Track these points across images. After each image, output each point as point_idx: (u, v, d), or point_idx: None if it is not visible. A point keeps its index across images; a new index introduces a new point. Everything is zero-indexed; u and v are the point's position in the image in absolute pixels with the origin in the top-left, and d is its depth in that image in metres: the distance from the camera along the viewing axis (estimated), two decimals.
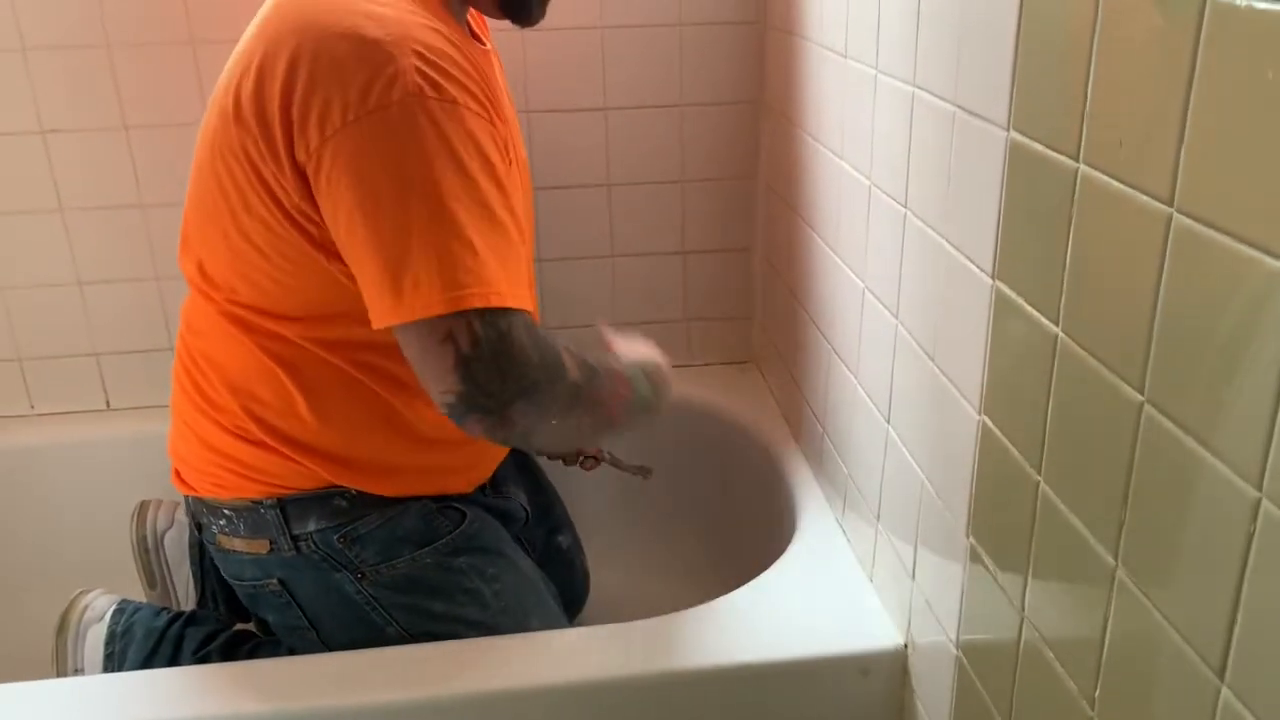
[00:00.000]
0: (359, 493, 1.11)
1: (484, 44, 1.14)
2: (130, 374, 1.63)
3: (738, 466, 1.62)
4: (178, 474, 1.16)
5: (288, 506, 1.10)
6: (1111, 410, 0.65)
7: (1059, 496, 0.73)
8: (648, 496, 1.73)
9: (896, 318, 1.04)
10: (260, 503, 1.10)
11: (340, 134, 0.90)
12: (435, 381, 0.93)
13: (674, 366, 1.67)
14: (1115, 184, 0.63)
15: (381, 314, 0.92)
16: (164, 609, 1.25)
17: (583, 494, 1.59)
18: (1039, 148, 0.72)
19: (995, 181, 0.79)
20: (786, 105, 1.44)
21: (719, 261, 1.69)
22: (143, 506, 1.35)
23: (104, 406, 1.65)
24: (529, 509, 1.34)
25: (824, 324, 1.32)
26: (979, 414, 0.85)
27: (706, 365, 1.75)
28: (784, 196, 1.49)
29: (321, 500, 1.10)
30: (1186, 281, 0.57)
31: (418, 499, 1.15)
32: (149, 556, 1.33)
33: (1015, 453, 0.79)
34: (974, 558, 0.88)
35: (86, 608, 1.22)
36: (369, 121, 0.89)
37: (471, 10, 1.13)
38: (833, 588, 1.19)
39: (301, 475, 1.09)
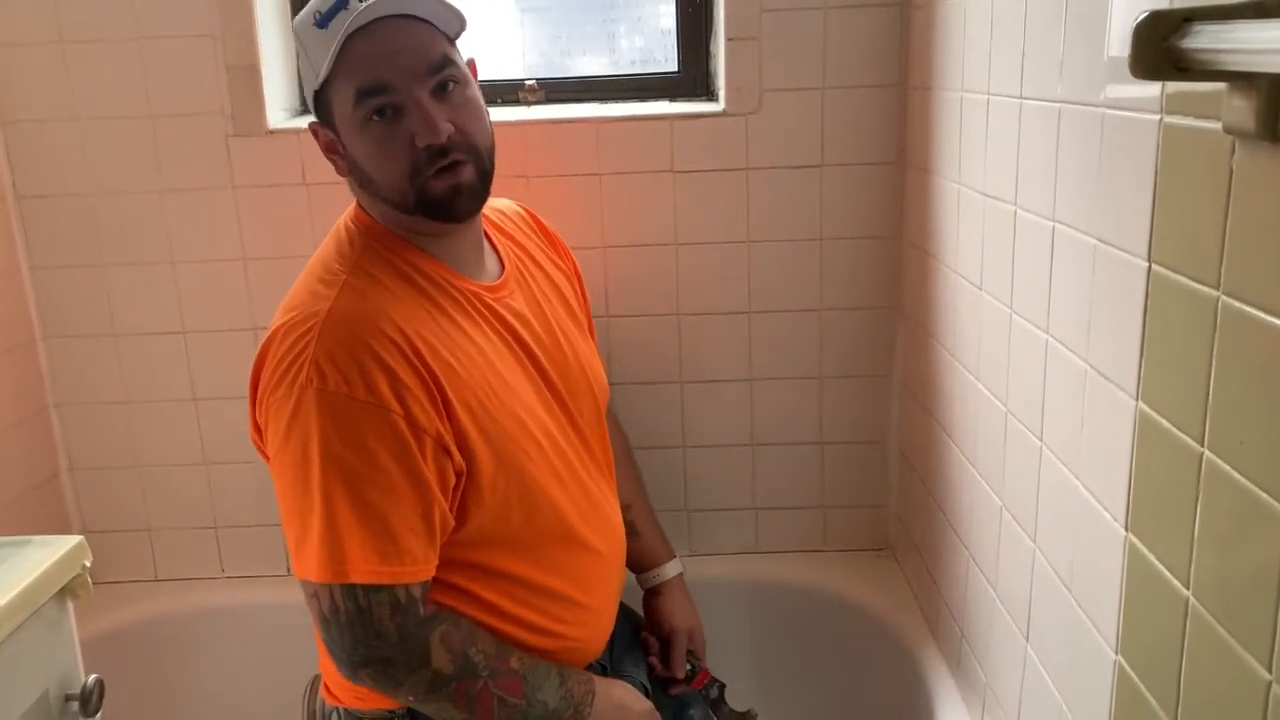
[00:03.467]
0: None
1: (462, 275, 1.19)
2: None
3: (872, 656, 1.66)
4: (326, 688, 1.28)
5: (417, 717, 1.19)
6: (1239, 682, 0.70)
7: None
8: (782, 678, 1.78)
9: (1035, 542, 1.11)
10: (394, 713, 1.20)
11: (264, 408, 1.10)
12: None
13: (809, 552, 1.79)
14: None
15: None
16: None
17: (717, 675, 1.64)
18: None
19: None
20: (921, 315, 1.54)
21: (855, 452, 1.77)
22: (316, 680, 1.47)
23: (285, 572, 1.81)
24: (650, 686, 1.39)
25: (961, 530, 1.38)
26: (1115, 653, 0.90)
27: (842, 552, 1.81)
28: (919, 398, 1.58)
29: None
30: None
31: None
32: None
33: (1152, 701, 0.84)
34: None
35: None
36: (273, 410, 1.08)
37: (490, 219, 1.31)
38: None
39: None
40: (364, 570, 1.04)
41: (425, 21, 1.12)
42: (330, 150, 1.18)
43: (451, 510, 1.12)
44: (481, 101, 1.19)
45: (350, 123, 1.12)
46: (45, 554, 0.92)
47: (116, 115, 1.64)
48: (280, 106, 1.69)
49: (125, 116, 1.64)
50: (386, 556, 1.05)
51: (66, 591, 0.93)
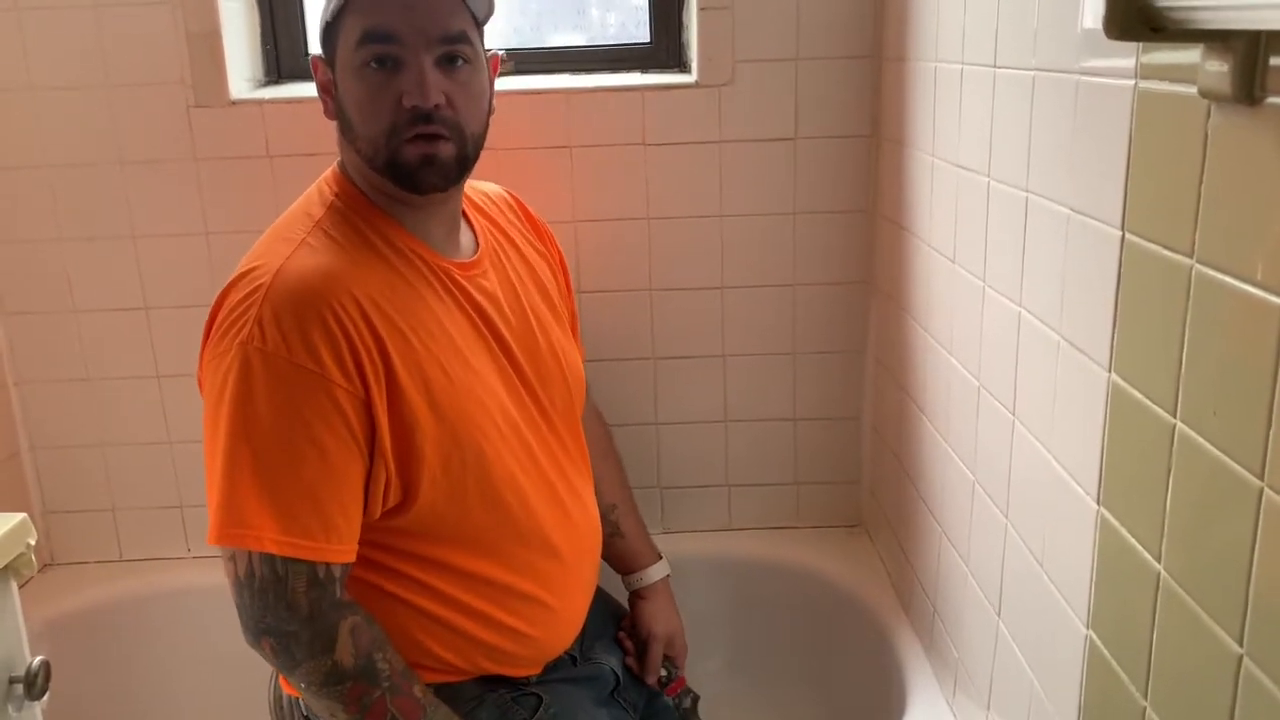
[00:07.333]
0: (434, 688, 1.16)
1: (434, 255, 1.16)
2: None
3: (845, 632, 1.65)
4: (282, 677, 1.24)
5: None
6: (1209, 655, 0.69)
7: None
8: (757, 655, 1.77)
9: (1007, 517, 1.09)
10: None
11: (203, 363, 1.08)
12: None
13: (783, 528, 1.78)
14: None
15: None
16: None
17: (690, 651, 1.64)
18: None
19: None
20: (894, 289, 1.53)
21: (829, 428, 1.76)
22: None
23: None
24: (619, 673, 1.37)
25: (934, 505, 1.37)
26: (1087, 628, 0.89)
27: (815, 528, 1.80)
28: (893, 373, 1.56)
29: None
30: None
31: (493, 690, 1.19)
32: (283, 714, 1.41)
33: (1122, 675, 0.83)
34: None
35: None
36: (213, 360, 1.05)
37: (472, 197, 1.27)
38: None
39: None
40: (286, 541, 1.01)
41: None
42: (324, 90, 1.16)
43: (393, 485, 1.08)
44: (486, 92, 1.16)
45: (348, 64, 1.10)
46: None
47: (74, 85, 1.60)
48: (243, 76, 1.64)
49: (83, 86, 1.60)
50: (311, 531, 1.02)
51: (10, 571, 0.90)
